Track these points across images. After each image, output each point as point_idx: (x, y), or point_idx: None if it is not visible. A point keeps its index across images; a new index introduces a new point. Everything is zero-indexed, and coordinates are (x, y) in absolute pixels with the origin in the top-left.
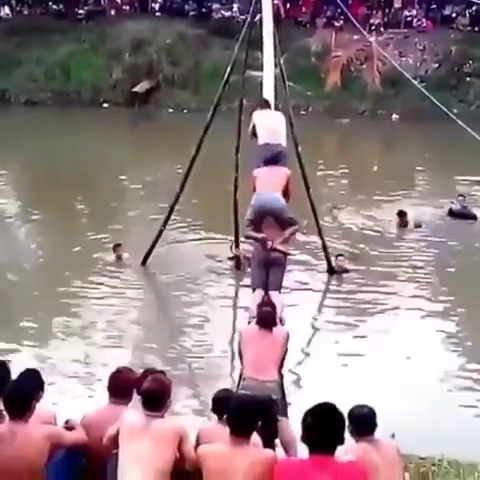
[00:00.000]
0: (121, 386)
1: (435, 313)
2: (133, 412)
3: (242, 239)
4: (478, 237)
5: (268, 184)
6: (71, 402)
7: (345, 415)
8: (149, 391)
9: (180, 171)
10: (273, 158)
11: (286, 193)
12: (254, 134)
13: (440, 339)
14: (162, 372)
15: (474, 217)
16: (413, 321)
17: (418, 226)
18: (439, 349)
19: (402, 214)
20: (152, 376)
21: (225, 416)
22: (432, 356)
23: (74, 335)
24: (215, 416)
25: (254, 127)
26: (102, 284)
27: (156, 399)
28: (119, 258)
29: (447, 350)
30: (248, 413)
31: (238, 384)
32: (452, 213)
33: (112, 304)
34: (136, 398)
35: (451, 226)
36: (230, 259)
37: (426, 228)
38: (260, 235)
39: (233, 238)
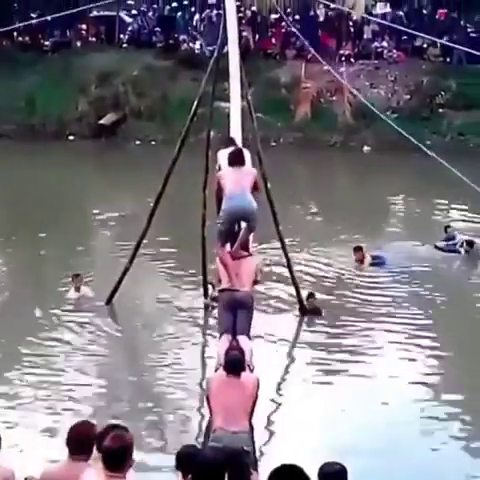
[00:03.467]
0: (80, 442)
1: (409, 355)
2: (93, 472)
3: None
4: (450, 273)
5: (237, 185)
6: (29, 454)
7: (315, 475)
8: (109, 450)
9: (149, 204)
10: (238, 159)
11: (255, 190)
12: None
13: (416, 383)
14: (124, 428)
15: (459, 251)
16: (387, 365)
17: (376, 264)
18: (415, 393)
19: (358, 250)
20: (113, 433)
21: (190, 476)
22: (408, 401)
23: (31, 381)
24: (180, 473)
25: (220, 167)
26: (63, 325)
27: (117, 459)
28: (78, 289)
29: (423, 393)
30: (213, 473)
31: (207, 436)
32: (439, 248)
33: (73, 348)
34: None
35: (424, 260)
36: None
37: (395, 263)
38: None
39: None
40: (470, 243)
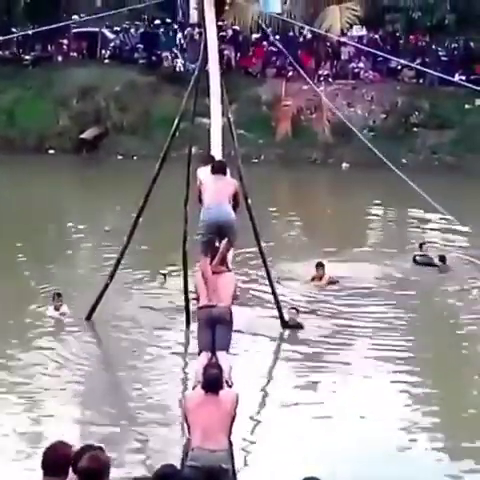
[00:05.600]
0: (56, 463)
1: (387, 371)
2: None
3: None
4: (425, 286)
5: (216, 195)
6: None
7: None
8: (86, 471)
9: (131, 219)
10: (221, 168)
11: (235, 204)
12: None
13: (394, 398)
14: (100, 448)
15: (436, 265)
16: (365, 380)
17: (333, 282)
18: (393, 408)
19: (319, 266)
20: (89, 454)
21: None
22: (386, 415)
23: (8, 402)
24: None
25: (200, 182)
26: (42, 344)
27: (93, 479)
28: (57, 309)
29: (401, 407)
30: None
31: (185, 454)
32: (416, 262)
33: (53, 366)
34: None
35: (400, 273)
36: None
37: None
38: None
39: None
40: (442, 258)
